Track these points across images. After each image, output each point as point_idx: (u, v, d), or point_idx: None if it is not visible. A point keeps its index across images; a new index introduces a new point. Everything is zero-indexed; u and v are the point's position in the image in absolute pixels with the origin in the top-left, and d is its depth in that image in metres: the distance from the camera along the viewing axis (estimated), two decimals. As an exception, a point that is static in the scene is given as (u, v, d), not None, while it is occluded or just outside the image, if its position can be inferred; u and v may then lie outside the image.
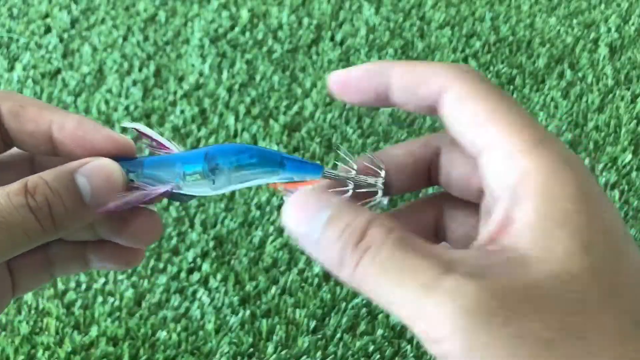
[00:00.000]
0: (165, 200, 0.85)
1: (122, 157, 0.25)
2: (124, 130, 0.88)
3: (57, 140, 0.23)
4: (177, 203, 0.92)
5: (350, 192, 0.25)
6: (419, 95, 0.21)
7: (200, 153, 0.24)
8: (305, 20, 1.22)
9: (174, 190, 0.25)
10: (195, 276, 0.85)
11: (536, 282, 0.16)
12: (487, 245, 0.18)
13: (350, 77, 0.23)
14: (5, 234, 0.21)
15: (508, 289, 0.16)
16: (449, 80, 0.20)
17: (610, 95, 1.17)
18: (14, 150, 0.25)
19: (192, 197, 0.25)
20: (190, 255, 0.86)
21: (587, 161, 1.05)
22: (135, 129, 0.26)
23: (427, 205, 0.23)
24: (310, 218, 0.19)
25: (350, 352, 0.80)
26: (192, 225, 0.90)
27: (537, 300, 0.16)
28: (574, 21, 1.30)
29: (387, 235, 0.18)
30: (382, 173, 0.23)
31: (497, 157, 0.18)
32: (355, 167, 0.25)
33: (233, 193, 0.94)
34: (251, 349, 0.79)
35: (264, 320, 0.81)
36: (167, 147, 0.26)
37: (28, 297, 0.82)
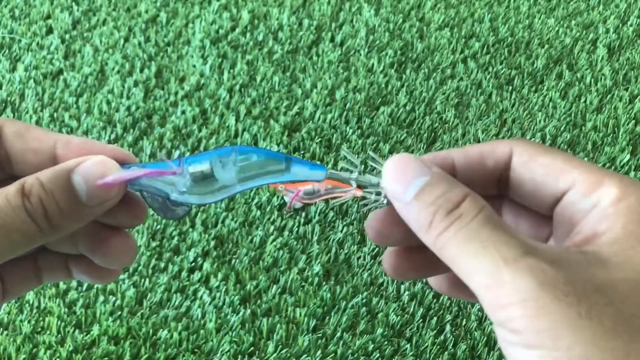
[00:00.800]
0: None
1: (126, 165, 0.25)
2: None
3: (61, 157, 0.24)
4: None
5: (354, 191, 0.25)
6: (486, 166, 0.24)
7: (204, 155, 0.24)
8: (306, 22, 1.23)
9: (175, 175, 0.24)
10: (196, 275, 0.85)
11: (612, 282, 0.18)
12: (570, 248, 0.21)
13: (414, 160, 0.24)
14: (3, 236, 0.21)
15: (584, 280, 0.18)
16: (514, 146, 0.23)
17: (609, 96, 1.17)
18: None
19: (189, 207, 0.25)
20: (191, 254, 0.87)
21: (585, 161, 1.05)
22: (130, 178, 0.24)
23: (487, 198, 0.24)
24: (408, 179, 0.21)
25: (350, 350, 0.80)
26: (193, 225, 0.91)
27: (610, 295, 0.18)
28: (573, 22, 1.31)
29: (480, 210, 0.20)
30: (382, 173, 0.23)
31: (586, 187, 0.21)
32: (358, 166, 0.25)
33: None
34: (252, 348, 0.80)
35: (265, 319, 0.82)
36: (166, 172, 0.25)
37: (30, 296, 0.83)
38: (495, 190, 0.24)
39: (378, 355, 0.81)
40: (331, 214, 0.93)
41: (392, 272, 0.26)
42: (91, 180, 0.22)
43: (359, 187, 0.25)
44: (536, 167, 0.22)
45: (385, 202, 0.24)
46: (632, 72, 1.22)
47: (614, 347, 0.17)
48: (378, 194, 0.24)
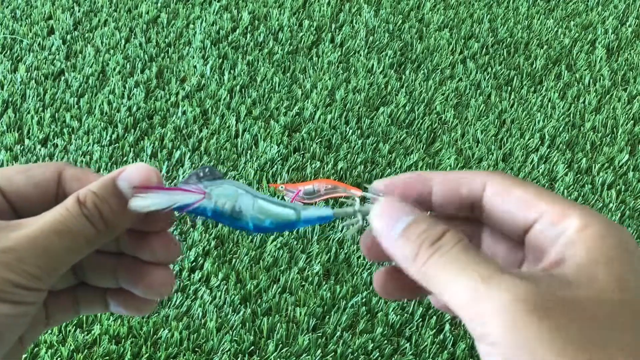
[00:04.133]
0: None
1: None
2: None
3: None
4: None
5: (361, 222, 0.28)
6: (461, 194, 0.26)
7: (235, 225, 0.27)
8: (306, 23, 1.23)
9: (203, 202, 0.27)
10: (197, 275, 0.85)
11: (577, 299, 0.21)
12: (540, 271, 0.23)
13: (395, 183, 0.27)
14: (71, 241, 0.24)
15: (553, 297, 0.21)
16: (489, 178, 0.26)
17: (607, 96, 1.18)
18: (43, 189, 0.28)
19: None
20: (192, 254, 0.87)
21: (584, 161, 1.06)
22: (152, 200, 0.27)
23: (464, 223, 0.27)
24: (395, 219, 0.24)
25: (350, 350, 0.81)
26: (193, 225, 0.91)
27: (576, 312, 0.20)
28: (571, 23, 1.31)
29: (459, 240, 0.23)
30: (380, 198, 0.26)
31: (553, 218, 0.23)
32: (357, 199, 0.27)
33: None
34: (252, 347, 0.80)
35: (265, 319, 0.82)
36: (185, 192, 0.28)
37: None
38: (469, 213, 0.27)
39: (378, 354, 0.81)
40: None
41: (381, 291, 0.28)
42: (133, 181, 0.26)
43: (364, 215, 0.27)
44: (509, 199, 0.25)
45: (362, 222, 0.27)
46: (631, 72, 1.22)
47: (578, 358, 0.19)
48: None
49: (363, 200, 0.28)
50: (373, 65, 1.17)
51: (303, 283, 0.86)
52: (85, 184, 0.27)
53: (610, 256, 0.22)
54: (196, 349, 0.80)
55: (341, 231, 0.89)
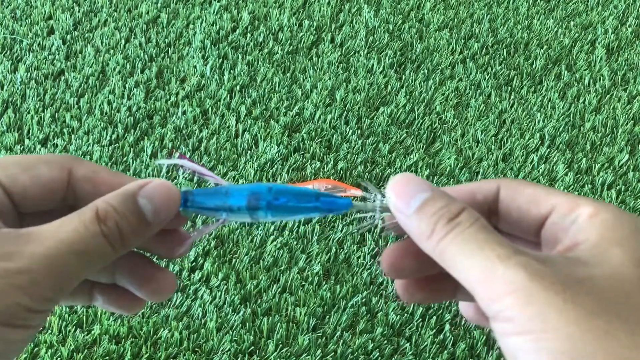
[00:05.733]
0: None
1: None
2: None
3: None
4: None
5: (379, 220, 0.27)
6: (477, 200, 0.27)
7: (244, 192, 0.27)
8: (306, 23, 1.23)
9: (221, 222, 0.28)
10: (197, 275, 0.85)
11: (591, 276, 0.21)
12: (555, 254, 0.24)
13: (420, 179, 0.27)
14: (86, 261, 0.23)
15: (568, 274, 0.21)
16: (501, 182, 0.27)
17: (607, 96, 1.18)
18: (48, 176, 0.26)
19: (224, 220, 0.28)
20: (192, 254, 0.87)
21: (584, 161, 1.06)
22: (180, 165, 0.28)
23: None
24: (411, 195, 0.24)
25: (350, 350, 0.81)
26: (193, 225, 0.91)
27: (590, 286, 0.21)
28: (571, 23, 1.31)
29: (476, 219, 0.23)
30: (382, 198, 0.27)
31: (565, 209, 0.24)
32: (379, 197, 0.27)
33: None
34: (252, 347, 0.80)
35: (265, 319, 0.82)
36: (210, 176, 0.29)
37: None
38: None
39: (378, 354, 0.81)
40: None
41: (389, 269, 0.28)
42: (155, 201, 0.25)
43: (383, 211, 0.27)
44: (521, 197, 0.26)
45: (380, 219, 0.27)
46: (631, 72, 1.22)
47: (594, 327, 0.20)
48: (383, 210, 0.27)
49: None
50: (373, 65, 1.17)
51: (303, 283, 0.86)
52: (97, 185, 0.25)
53: (623, 237, 0.22)
54: (196, 349, 0.80)
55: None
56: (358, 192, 0.93)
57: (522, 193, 0.26)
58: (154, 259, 0.29)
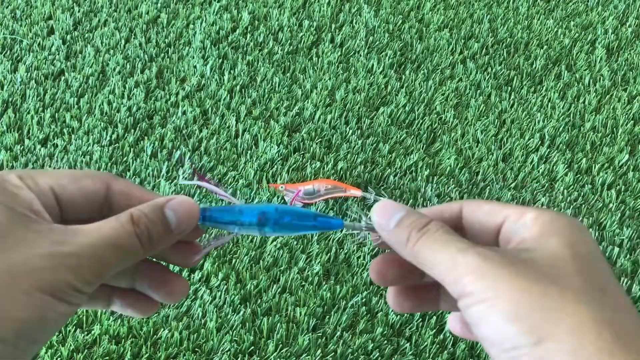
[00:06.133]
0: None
1: None
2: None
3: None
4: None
5: (367, 237, 0.34)
6: (445, 217, 0.32)
7: (254, 211, 0.32)
8: (306, 23, 1.23)
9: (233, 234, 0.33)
10: (197, 275, 0.85)
11: (532, 258, 0.27)
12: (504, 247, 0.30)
13: (397, 203, 0.33)
14: (122, 254, 0.28)
15: (514, 257, 0.27)
16: (464, 203, 0.32)
17: (607, 96, 1.18)
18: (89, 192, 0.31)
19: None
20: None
21: (584, 161, 1.06)
22: (197, 185, 0.32)
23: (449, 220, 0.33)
24: (390, 214, 0.30)
25: (350, 350, 0.81)
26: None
27: (531, 265, 0.26)
28: (571, 23, 1.31)
29: (441, 227, 0.29)
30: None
31: (515, 217, 0.30)
32: (366, 218, 0.33)
33: (234, 191, 0.95)
34: (252, 347, 0.80)
35: (265, 319, 0.82)
36: (225, 196, 0.34)
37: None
38: None
39: (378, 354, 0.81)
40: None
41: (377, 277, 0.33)
42: (179, 213, 0.30)
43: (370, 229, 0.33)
44: (480, 212, 0.31)
45: (369, 236, 0.33)
46: (631, 72, 1.22)
47: (535, 291, 0.25)
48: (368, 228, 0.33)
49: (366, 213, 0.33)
50: (373, 65, 1.17)
51: (303, 283, 0.86)
52: (131, 199, 0.30)
53: (559, 230, 0.28)
54: (196, 349, 0.80)
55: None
56: (358, 192, 0.93)
57: (481, 209, 0.31)
58: (169, 267, 0.34)
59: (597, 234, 0.97)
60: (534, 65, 1.21)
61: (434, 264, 0.28)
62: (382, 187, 0.99)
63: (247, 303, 0.84)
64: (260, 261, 0.88)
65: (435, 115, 1.10)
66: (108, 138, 1.01)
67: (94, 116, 1.04)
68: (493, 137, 1.08)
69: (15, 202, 0.27)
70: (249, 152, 1.01)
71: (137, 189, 0.31)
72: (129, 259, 0.28)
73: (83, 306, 0.31)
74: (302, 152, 1.03)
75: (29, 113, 1.04)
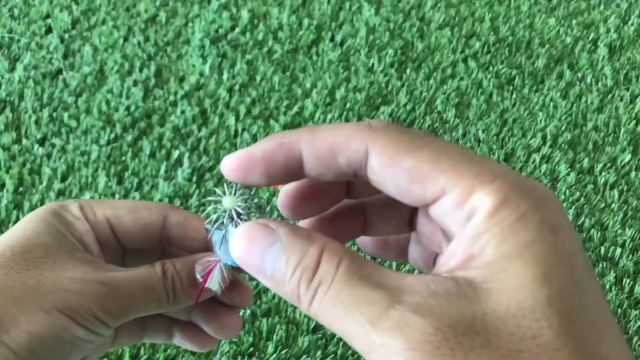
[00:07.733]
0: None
1: None
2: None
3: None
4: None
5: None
6: (338, 163, 0.21)
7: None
8: (306, 21, 1.22)
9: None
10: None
11: (484, 316, 0.17)
12: (443, 274, 0.19)
13: (253, 157, 0.22)
14: (149, 297, 0.28)
15: (455, 322, 0.17)
16: (371, 140, 0.20)
17: (610, 96, 1.17)
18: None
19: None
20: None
21: (586, 161, 1.05)
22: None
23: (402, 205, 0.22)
24: (261, 252, 0.20)
25: (350, 351, 0.80)
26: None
27: (484, 334, 0.17)
28: (574, 22, 1.30)
29: (337, 266, 0.19)
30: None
31: (458, 196, 0.18)
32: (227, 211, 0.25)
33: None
34: (251, 349, 0.80)
35: (264, 320, 0.82)
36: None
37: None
38: (352, 179, 0.22)
39: (378, 356, 0.80)
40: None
41: (287, 211, 0.25)
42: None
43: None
44: (398, 171, 0.19)
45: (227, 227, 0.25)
46: (633, 71, 1.22)
47: None
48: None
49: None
50: (373, 64, 1.17)
51: (303, 284, 0.86)
52: (188, 232, 0.30)
53: (525, 244, 0.17)
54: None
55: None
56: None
57: (398, 165, 0.19)
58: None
59: (599, 234, 0.96)
60: (535, 64, 1.20)
61: (344, 335, 0.19)
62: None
63: (247, 304, 0.84)
64: (260, 262, 0.87)
65: (437, 115, 1.10)
66: (106, 137, 1.00)
67: (92, 115, 1.03)
68: (495, 137, 1.08)
69: (68, 231, 0.28)
70: (249, 151, 1.01)
71: (194, 219, 0.31)
72: (155, 307, 0.28)
73: (146, 339, 0.32)
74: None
75: (26, 112, 1.03)
